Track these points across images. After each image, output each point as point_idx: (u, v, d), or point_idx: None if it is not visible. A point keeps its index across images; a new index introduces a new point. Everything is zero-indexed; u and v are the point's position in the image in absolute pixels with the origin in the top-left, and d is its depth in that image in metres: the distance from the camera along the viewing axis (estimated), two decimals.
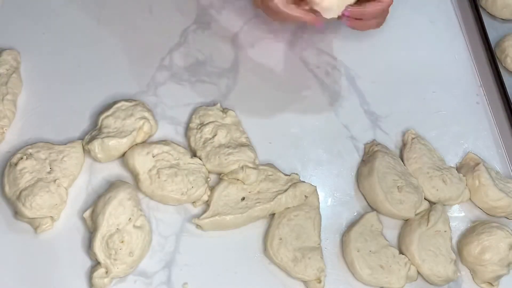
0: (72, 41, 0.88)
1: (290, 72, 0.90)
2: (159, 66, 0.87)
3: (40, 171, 0.73)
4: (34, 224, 0.72)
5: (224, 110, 0.83)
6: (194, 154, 0.79)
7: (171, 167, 0.76)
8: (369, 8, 0.79)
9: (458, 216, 0.82)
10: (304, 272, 0.72)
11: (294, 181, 0.78)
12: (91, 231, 0.72)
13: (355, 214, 0.80)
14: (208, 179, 0.78)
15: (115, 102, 0.80)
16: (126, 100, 0.81)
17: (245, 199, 0.76)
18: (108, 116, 0.78)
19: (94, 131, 0.78)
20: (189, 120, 0.82)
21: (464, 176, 0.83)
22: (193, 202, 0.76)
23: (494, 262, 0.76)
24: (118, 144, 0.76)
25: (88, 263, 0.71)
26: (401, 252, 0.76)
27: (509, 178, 0.86)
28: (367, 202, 0.81)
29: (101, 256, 0.69)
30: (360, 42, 0.95)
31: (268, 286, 0.73)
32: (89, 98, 0.83)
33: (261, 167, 0.79)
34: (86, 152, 0.77)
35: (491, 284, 0.77)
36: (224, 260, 0.74)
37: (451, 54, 0.97)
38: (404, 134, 0.87)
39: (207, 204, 0.76)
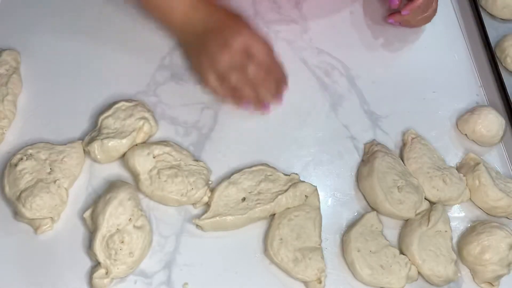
0: (72, 41, 0.88)
1: (290, 72, 0.90)
2: (159, 66, 0.87)
3: (40, 172, 0.73)
4: (34, 225, 0.72)
5: None
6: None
7: (171, 168, 0.76)
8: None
9: (458, 216, 0.82)
10: (304, 273, 0.72)
11: (294, 181, 0.78)
12: (91, 231, 0.72)
13: (355, 214, 0.80)
14: (210, 182, 0.78)
15: (115, 102, 0.80)
16: (126, 100, 0.81)
17: (245, 199, 0.76)
18: (108, 116, 0.78)
19: (94, 132, 0.78)
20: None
21: (464, 176, 0.83)
22: (193, 204, 0.76)
23: (494, 262, 0.76)
24: (117, 145, 0.76)
25: (88, 263, 0.71)
26: (401, 252, 0.76)
27: (509, 178, 0.86)
28: (367, 202, 0.81)
29: (101, 257, 0.69)
30: (360, 42, 0.95)
31: (268, 286, 0.73)
32: (89, 98, 0.83)
33: (259, 167, 0.79)
34: (86, 153, 0.77)
35: (491, 284, 0.77)
36: (224, 260, 0.74)
37: (451, 54, 0.97)
38: (404, 134, 0.87)
39: (208, 204, 0.76)
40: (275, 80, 0.83)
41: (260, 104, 0.83)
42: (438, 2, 0.96)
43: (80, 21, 0.90)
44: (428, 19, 0.95)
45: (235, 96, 0.81)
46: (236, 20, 0.80)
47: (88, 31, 0.89)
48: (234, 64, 0.78)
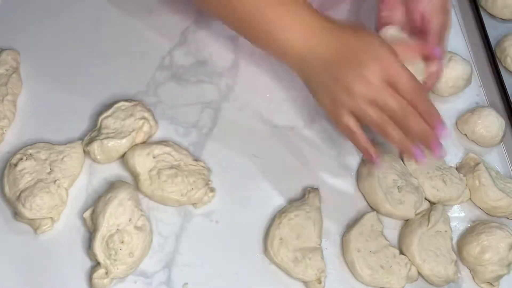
0: (72, 41, 0.88)
1: (290, 72, 0.90)
2: (159, 66, 0.87)
3: (40, 172, 0.73)
4: (34, 225, 0.72)
5: None
6: None
7: (171, 168, 0.76)
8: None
9: (458, 216, 0.82)
10: (304, 273, 0.72)
11: None
12: (91, 231, 0.72)
13: (355, 214, 0.80)
14: (210, 182, 0.78)
15: (115, 102, 0.80)
16: (126, 100, 0.81)
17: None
18: (107, 116, 0.78)
19: (94, 132, 0.78)
20: None
21: (464, 176, 0.83)
22: (193, 204, 0.76)
23: (493, 262, 0.76)
24: (117, 145, 0.76)
25: (88, 263, 0.71)
26: (401, 252, 0.76)
27: (509, 178, 0.86)
28: (367, 202, 0.81)
29: (101, 257, 0.69)
30: None
31: (268, 286, 0.73)
32: (89, 98, 0.83)
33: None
34: (86, 153, 0.77)
35: (491, 284, 0.77)
36: (224, 260, 0.74)
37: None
38: None
39: None
40: (425, 117, 0.67)
41: (410, 148, 0.68)
42: None
43: (80, 21, 0.90)
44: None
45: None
46: (370, 42, 0.67)
47: (88, 31, 0.89)
48: (374, 98, 0.65)
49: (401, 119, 0.66)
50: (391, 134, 0.67)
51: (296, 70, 0.71)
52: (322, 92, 0.69)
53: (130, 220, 0.71)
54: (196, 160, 0.79)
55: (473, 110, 0.89)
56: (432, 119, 0.67)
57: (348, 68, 0.65)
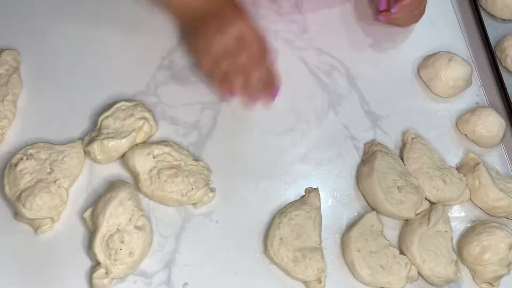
0: (72, 41, 0.88)
1: (290, 72, 0.90)
2: (159, 66, 0.87)
3: (40, 172, 0.73)
4: (34, 225, 0.72)
5: None
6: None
7: (171, 168, 0.76)
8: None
9: (458, 216, 0.82)
10: (304, 273, 0.72)
11: None
12: (91, 231, 0.72)
13: (355, 214, 0.80)
14: (210, 182, 0.78)
15: (115, 102, 0.80)
16: (126, 100, 0.81)
17: None
18: (107, 116, 0.78)
19: (94, 132, 0.78)
20: None
21: (464, 176, 0.83)
22: (193, 204, 0.76)
23: (494, 262, 0.76)
24: (117, 145, 0.76)
25: (88, 263, 0.71)
26: (401, 252, 0.76)
27: (509, 178, 0.86)
28: (367, 202, 0.81)
29: (101, 256, 0.69)
30: (360, 42, 0.95)
31: (268, 286, 0.73)
32: (89, 98, 0.83)
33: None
34: (86, 153, 0.77)
35: (491, 284, 0.77)
36: (224, 260, 0.74)
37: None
38: (404, 134, 0.87)
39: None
40: (267, 73, 0.80)
41: (249, 96, 0.80)
42: (439, 2, 0.96)
43: (80, 21, 0.90)
44: (416, 19, 0.95)
45: (226, 82, 0.79)
46: (235, 10, 0.79)
47: (88, 31, 0.89)
48: (227, 50, 0.77)
49: (246, 71, 0.78)
50: (236, 80, 0.78)
51: (175, 19, 0.85)
52: (191, 41, 0.83)
53: (130, 220, 0.71)
54: (196, 160, 0.79)
55: (473, 110, 0.89)
56: (271, 82, 0.80)
57: (210, 24, 0.78)
